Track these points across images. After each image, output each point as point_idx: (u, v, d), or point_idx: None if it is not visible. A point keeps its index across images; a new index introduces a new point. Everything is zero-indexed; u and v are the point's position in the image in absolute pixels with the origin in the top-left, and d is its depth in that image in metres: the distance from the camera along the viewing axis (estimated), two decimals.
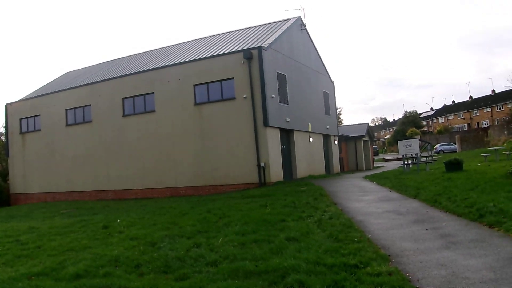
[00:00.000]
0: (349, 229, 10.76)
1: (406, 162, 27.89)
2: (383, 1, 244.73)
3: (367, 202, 15.77)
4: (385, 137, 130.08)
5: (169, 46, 39.45)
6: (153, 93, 30.18)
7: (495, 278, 6.71)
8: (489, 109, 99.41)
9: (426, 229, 10.33)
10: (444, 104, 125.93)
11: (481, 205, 11.73)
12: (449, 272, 7.13)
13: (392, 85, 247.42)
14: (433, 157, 34.37)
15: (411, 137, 54.46)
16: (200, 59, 29.32)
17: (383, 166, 48.41)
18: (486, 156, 28.71)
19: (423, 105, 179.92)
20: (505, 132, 60.55)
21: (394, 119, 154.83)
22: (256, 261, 8.46)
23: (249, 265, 8.14)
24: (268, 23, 34.64)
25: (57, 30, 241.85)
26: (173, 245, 10.54)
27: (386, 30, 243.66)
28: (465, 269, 7.18)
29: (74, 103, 34.35)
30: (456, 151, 60.02)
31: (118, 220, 16.07)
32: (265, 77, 26.16)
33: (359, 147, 46.62)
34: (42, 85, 44.05)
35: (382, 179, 24.16)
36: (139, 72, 31.96)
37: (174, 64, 30.33)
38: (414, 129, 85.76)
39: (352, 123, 59.39)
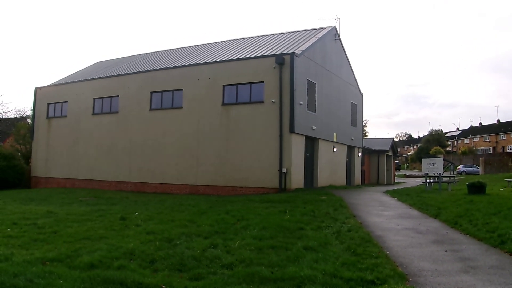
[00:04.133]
0: (368, 243, 10.63)
1: (428, 181, 27.57)
2: (411, 19, 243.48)
3: (386, 218, 15.59)
4: (408, 153, 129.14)
5: (201, 45, 39.50)
6: (181, 89, 30.26)
7: None
8: None
9: (446, 251, 10.16)
10: (471, 125, 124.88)
11: (503, 231, 11.47)
12: None
13: (417, 102, 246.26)
14: (456, 178, 33.96)
15: (435, 156, 53.93)
16: (232, 60, 29.35)
17: (404, 182, 47.93)
18: (510, 181, 28.19)
19: (449, 124, 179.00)
20: None
21: (418, 136, 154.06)
22: (272, 267, 8.41)
23: (265, 271, 8.08)
24: (302, 30, 34.52)
25: (93, 21, 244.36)
26: (189, 244, 10.52)
27: (415, 47, 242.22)
28: None
29: (102, 92, 34.67)
30: (479, 174, 59.15)
31: (136, 213, 16.12)
32: (295, 84, 26.07)
33: (382, 161, 46.26)
34: (73, 72, 44.43)
35: (403, 195, 23.87)
36: (170, 67, 32.11)
37: (205, 63, 30.36)
38: (439, 147, 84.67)
39: (377, 137, 58.98)
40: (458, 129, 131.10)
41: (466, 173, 63.53)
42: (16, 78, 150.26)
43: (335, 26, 34.04)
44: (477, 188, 21.65)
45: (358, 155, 38.82)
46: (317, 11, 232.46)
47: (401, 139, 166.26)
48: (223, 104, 28.33)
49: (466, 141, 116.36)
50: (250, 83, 27.63)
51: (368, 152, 44.78)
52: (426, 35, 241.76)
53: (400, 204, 20.27)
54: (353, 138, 36.81)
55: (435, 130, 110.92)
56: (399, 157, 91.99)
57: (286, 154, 25.91)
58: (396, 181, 50.31)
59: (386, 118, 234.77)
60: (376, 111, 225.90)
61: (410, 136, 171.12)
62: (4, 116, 56.55)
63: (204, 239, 11.14)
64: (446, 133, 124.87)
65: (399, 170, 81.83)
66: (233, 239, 11.01)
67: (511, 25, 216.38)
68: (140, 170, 31.64)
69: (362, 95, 40.19)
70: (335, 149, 32.52)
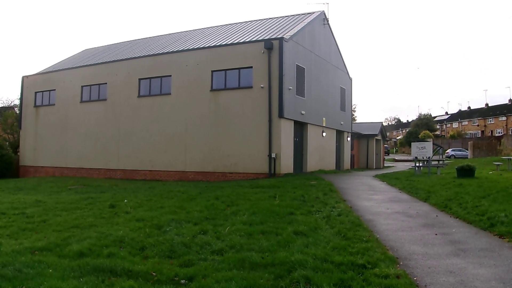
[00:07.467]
0: (358, 227, 10.64)
1: (417, 164, 27.65)
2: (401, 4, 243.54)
3: (376, 202, 15.64)
4: (397, 138, 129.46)
5: (189, 30, 39.31)
6: (170, 76, 30.10)
7: None
8: (504, 118, 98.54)
9: (436, 234, 10.19)
10: (459, 110, 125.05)
11: (492, 214, 11.54)
12: (457, 280, 7.00)
13: (406, 86, 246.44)
14: (445, 161, 34.08)
15: (424, 140, 54.14)
16: (220, 45, 29.20)
17: (393, 166, 48.05)
18: (498, 164, 28.24)
19: (438, 108, 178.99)
20: None
21: (407, 120, 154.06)
22: (263, 253, 8.39)
23: (256, 257, 8.06)
24: (291, 15, 34.36)
25: (79, 8, 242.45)
26: (179, 230, 10.49)
27: (403, 30, 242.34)
28: (474, 278, 7.05)
29: (90, 80, 34.40)
30: (467, 157, 59.42)
31: (125, 200, 16.07)
32: (284, 69, 25.99)
33: (371, 146, 46.29)
34: (60, 60, 44.09)
35: (392, 179, 23.99)
36: (158, 54, 31.92)
37: (193, 49, 30.24)
38: (427, 131, 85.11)
39: (366, 121, 58.97)
40: (446, 113, 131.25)
41: (455, 157, 63.66)
42: (2, 67, 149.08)
43: (323, 11, 33.91)
44: (466, 172, 21.74)
45: (347, 140, 38.87)
46: None
47: (390, 123, 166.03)
48: (212, 89, 28.20)
49: (455, 125, 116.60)
50: (239, 69, 27.52)
51: (357, 137, 44.81)
52: (413, 20, 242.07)
53: (389, 188, 20.35)
54: (342, 122, 36.82)
55: (424, 114, 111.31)
56: (388, 141, 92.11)
57: (275, 139, 25.89)
58: (385, 165, 50.44)
59: (375, 102, 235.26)
60: (365, 96, 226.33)
61: (399, 120, 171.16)
62: None
63: (194, 225, 11.12)
64: (435, 117, 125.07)
65: (388, 154, 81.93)
66: (223, 225, 11.00)
67: (498, 10, 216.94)
68: (129, 157, 31.51)
69: (351, 79, 40.15)
70: (324, 134, 32.54)
